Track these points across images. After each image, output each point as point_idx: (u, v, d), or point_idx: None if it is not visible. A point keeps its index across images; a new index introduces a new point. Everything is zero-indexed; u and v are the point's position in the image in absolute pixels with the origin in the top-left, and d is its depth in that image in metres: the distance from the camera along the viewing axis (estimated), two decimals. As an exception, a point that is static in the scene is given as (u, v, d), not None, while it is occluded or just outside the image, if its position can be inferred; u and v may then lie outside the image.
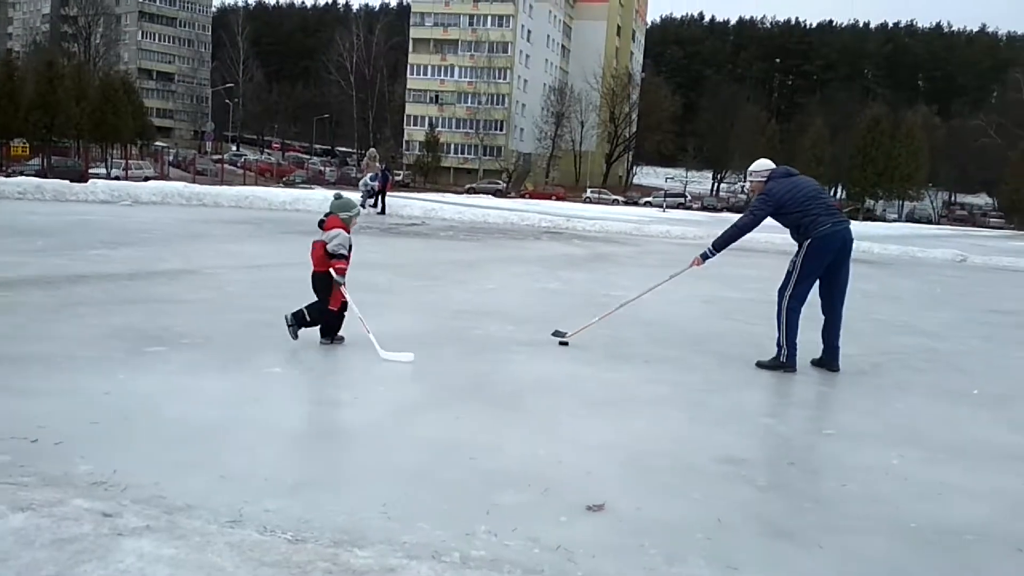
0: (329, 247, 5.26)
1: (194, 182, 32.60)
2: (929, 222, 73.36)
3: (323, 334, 5.45)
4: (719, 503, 3.20)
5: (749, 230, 5.70)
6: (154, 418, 3.75)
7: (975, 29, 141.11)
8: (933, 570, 2.75)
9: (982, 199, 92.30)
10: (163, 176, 44.05)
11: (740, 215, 6.10)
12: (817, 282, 5.73)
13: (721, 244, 5.75)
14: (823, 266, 5.64)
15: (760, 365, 5.78)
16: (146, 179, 34.68)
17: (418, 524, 2.77)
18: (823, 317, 5.81)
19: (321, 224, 5.42)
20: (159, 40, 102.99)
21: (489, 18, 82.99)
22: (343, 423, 3.85)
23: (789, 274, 5.70)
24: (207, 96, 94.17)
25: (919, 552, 2.89)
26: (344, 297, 5.35)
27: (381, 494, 3.01)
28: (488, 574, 2.45)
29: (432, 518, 2.82)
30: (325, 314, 5.37)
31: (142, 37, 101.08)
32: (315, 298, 5.39)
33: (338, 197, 5.62)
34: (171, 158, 58.65)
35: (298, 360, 5.08)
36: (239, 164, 64.57)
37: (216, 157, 64.91)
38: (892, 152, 74.86)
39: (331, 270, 5.26)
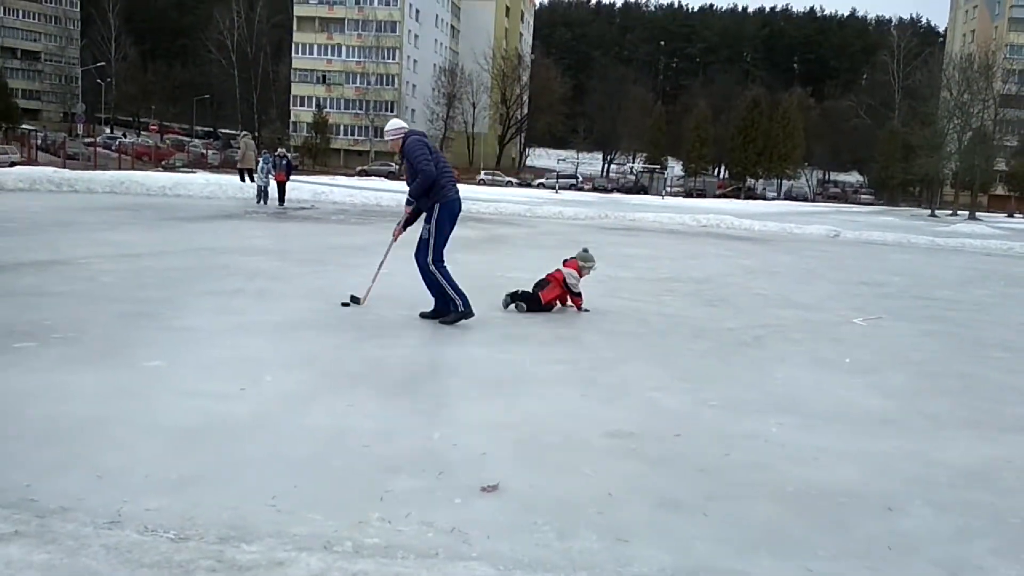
0: (569, 282, 6.98)
1: (65, 167, 30.81)
2: (805, 200, 77.06)
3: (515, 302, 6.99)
4: (610, 477, 3.27)
5: (433, 175, 6.20)
6: (24, 417, 3.54)
7: (846, 14, 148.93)
8: (809, 531, 2.89)
9: (854, 176, 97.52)
10: (31, 161, 41.19)
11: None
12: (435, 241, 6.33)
13: (418, 193, 6.30)
14: (453, 228, 6.40)
15: (442, 322, 6.24)
16: (12, 164, 32.30)
17: (309, 515, 2.71)
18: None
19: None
20: (23, 17, 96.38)
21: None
22: (230, 415, 3.72)
23: (425, 241, 6.26)
24: (77, 76, 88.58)
25: (796, 514, 3.03)
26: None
27: (270, 486, 2.93)
28: (381, 561, 2.43)
29: (324, 508, 2.77)
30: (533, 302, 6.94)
31: (4, 13, 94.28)
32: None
33: (586, 250, 7.29)
34: (39, 142, 54.92)
35: (181, 353, 4.88)
36: (114, 147, 61.11)
37: (88, 140, 61.22)
38: (770, 132, 77.94)
39: (571, 301, 7.07)
